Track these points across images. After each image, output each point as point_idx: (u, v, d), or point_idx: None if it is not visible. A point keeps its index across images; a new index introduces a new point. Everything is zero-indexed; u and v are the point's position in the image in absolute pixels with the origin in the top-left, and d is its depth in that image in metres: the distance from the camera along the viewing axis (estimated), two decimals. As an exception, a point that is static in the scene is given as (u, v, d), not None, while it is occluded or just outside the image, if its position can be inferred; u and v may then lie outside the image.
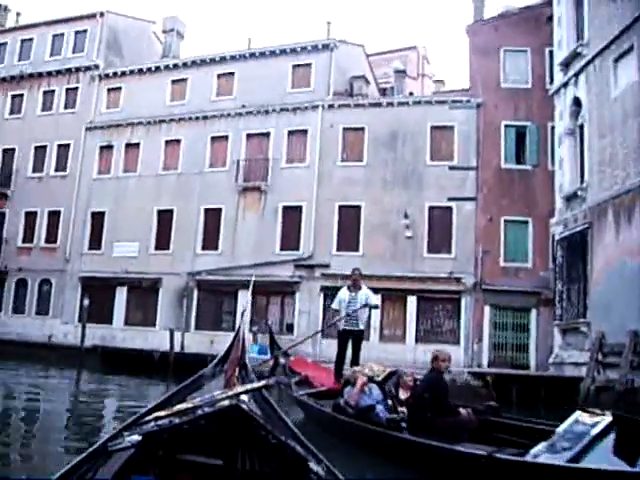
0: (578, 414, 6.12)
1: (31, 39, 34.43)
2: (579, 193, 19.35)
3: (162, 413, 4.23)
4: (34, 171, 32.44)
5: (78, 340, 25.90)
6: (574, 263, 19.56)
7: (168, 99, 30.69)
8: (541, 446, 6.01)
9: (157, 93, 30.63)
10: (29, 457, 7.47)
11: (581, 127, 20.03)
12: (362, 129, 26.57)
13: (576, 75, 19.97)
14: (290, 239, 26.53)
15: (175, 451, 4.03)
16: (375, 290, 12.95)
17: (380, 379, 8.68)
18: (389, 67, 34.46)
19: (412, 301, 24.56)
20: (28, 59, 34.14)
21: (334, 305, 11.31)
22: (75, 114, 32.24)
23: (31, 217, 31.80)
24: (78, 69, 32.72)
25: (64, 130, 31.87)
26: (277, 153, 27.64)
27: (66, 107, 32.70)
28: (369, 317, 11.56)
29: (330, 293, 24.23)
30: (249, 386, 5.12)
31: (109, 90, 32.18)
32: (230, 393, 4.35)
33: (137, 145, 30.58)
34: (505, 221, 24.08)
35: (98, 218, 30.42)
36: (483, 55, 25.36)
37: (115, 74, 31.99)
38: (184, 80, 30.56)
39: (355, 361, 10.78)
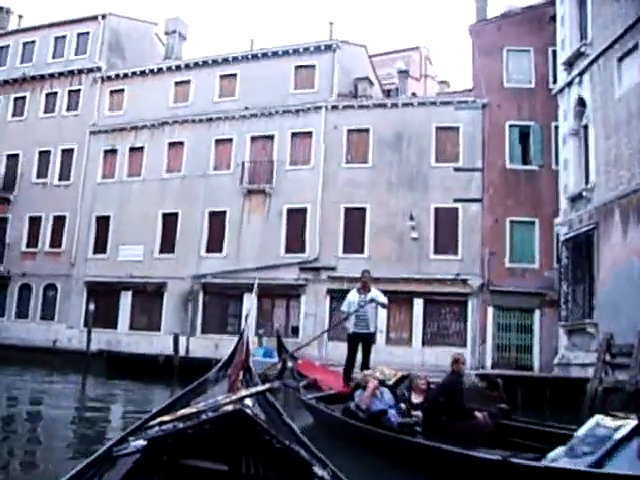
0: (599, 417, 5.82)
1: (33, 41, 34.50)
2: (584, 194, 19.26)
3: (166, 418, 4.21)
4: (38, 177, 32.45)
5: (83, 345, 25.81)
6: (579, 264, 19.47)
7: (171, 101, 30.69)
8: (559, 450, 5.78)
9: (160, 95, 30.63)
10: (34, 462, 7.44)
11: (585, 127, 19.96)
12: (367, 130, 26.52)
13: (580, 75, 19.90)
14: (295, 242, 26.48)
15: (180, 456, 3.98)
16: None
17: (391, 383, 8.57)
18: (392, 68, 34.41)
19: (418, 303, 24.49)
20: (30, 61, 34.18)
21: (343, 307, 11.23)
22: (78, 116, 32.28)
23: (35, 222, 31.79)
24: (80, 71, 32.75)
25: (67, 133, 31.89)
26: (281, 155, 27.59)
27: (69, 109, 32.74)
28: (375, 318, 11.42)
29: (336, 296, 24.28)
30: (253, 390, 5.06)
31: (112, 92, 32.20)
32: (234, 397, 4.31)
33: (141, 149, 30.58)
34: (511, 222, 24.02)
35: (103, 222, 30.43)
36: (486, 55, 25.31)
37: (117, 76, 32.01)
38: (187, 82, 30.57)
39: (365, 364, 10.68)
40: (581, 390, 16.16)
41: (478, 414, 7.37)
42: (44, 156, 32.44)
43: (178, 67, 30.94)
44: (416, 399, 8.10)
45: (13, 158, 33.16)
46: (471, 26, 26.37)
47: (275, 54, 29.00)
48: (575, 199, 20.00)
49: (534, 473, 5.49)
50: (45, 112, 33.25)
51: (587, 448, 5.47)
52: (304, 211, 26.58)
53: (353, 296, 10.95)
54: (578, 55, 19.96)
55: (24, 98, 33.89)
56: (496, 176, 24.53)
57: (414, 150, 25.74)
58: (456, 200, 24.72)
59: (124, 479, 3.71)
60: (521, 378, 19.06)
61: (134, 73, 31.72)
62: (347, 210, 26.08)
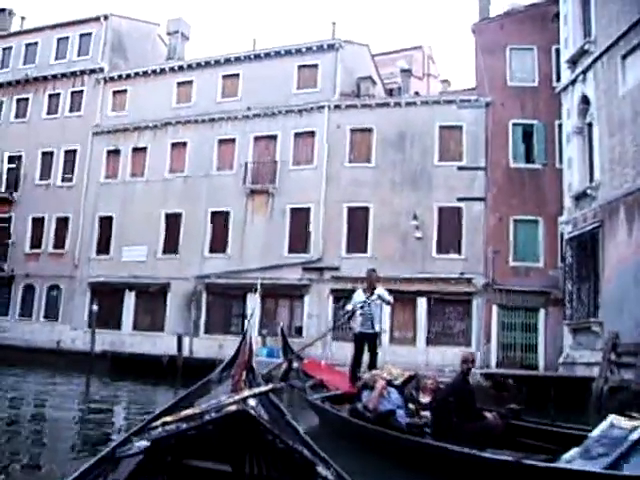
0: (613, 418, 5.66)
1: (36, 43, 34.55)
2: (589, 192, 19.19)
3: (170, 419, 4.22)
4: (42, 178, 32.49)
5: (86, 346, 25.84)
6: (584, 262, 19.41)
7: (174, 101, 30.69)
8: (574, 452, 5.63)
9: (163, 95, 30.63)
10: (38, 463, 7.43)
11: (589, 125, 19.90)
12: (370, 130, 26.48)
13: (584, 72, 19.85)
14: (299, 241, 26.43)
15: (183, 457, 3.99)
16: (385, 292, 12.80)
17: (399, 383, 8.48)
18: (394, 67, 34.36)
19: (422, 303, 24.42)
20: (33, 63, 34.23)
21: (349, 307, 11.16)
22: (81, 117, 32.31)
23: (38, 223, 31.84)
24: (83, 72, 32.78)
25: (70, 134, 31.91)
26: (284, 155, 27.56)
27: (72, 110, 32.77)
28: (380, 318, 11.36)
29: (340, 296, 24.26)
30: (256, 390, 5.06)
31: (114, 93, 32.22)
32: (237, 398, 4.33)
33: (144, 149, 30.58)
34: (515, 221, 23.96)
35: (106, 223, 30.44)
36: (489, 54, 25.27)
37: (120, 77, 32.03)
38: (189, 82, 30.56)
39: (372, 364, 10.61)
40: (586, 389, 16.12)
41: (488, 414, 7.23)
42: (47, 157, 32.49)
43: (181, 67, 30.93)
44: (424, 399, 7.99)
45: (16, 159, 33.20)
46: (474, 25, 26.31)
47: (278, 54, 28.96)
48: (579, 197, 19.93)
49: (548, 475, 5.35)
50: (48, 113, 33.29)
51: (602, 450, 5.32)
52: (307, 211, 26.54)
53: (359, 295, 10.89)
54: (582, 53, 19.91)
55: (27, 99, 33.94)
56: (500, 175, 24.47)
57: (417, 149, 25.69)
58: (459, 199, 24.66)
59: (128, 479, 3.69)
60: (525, 377, 19.04)
61: (137, 74, 31.73)
62: (350, 210, 26.04)
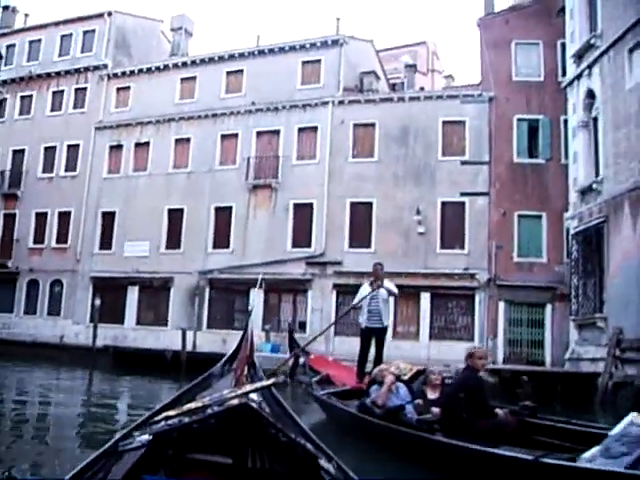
0: (633, 415, 5.46)
1: (39, 40, 34.57)
2: (594, 186, 19.11)
3: (172, 412, 4.22)
4: (44, 172, 32.54)
5: (90, 340, 25.85)
6: (590, 257, 19.36)
7: (177, 97, 30.66)
8: (595, 450, 5.40)
9: (166, 92, 30.60)
10: (41, 458, 7.39)
11: (595, 119, 19.83)
12: (373, 125, 26.42)
13: (589, 67, 19.75)
14: (302, 236, 26.41)
15: (185, 450, 3.99)
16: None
17: (407, 378, 8.38)
18: (399, 62, 34.36)
19: (425, 298, 24.40)
20: (37, 60, 34.26)
21: (355, 301, 11.09)
22: (84, 114, 32.29)
23: (42, 218, 31.89)
24: (87, 69, 32.79)
25: (73, 130, 31.91)
26: (287, 150, 27.51)
27: (75, 107, 32.77)
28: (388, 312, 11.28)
29: (342, 291, 24.28)
30: (258, 384, 5.03)
31: (118, 89, 32.19)
32: (239, 392, 4.30)
33: (147, 144, 30.56)
34: (518, 216, 23.86)
35: (108, 218, 30.46)
36: (494, 48, 25.17)
37: (124, 73, 32.01)
38: (193, 78, 30.52)
39: (379, 359, 10.54)
40: (592, 385, 16.07)
41: (499, 411, 7.09)
42: (50, 152, 32.53)
43: (184, 64, 30.92)
44: (432, 395, 7.86)
45: (19, 155, 33.22)
46: (479, 19, 26.21)
47: (282, 49, 28.92)
48: (585, 192, 19.86)
49: (569, 474, 5.18)
50: (52, 110, 33.29)
51: (623, 448, 5.15)
52: (310, 206, 26.50)
53: (365, 289, 10.82)
54: (588, 47, 19.81)
55: (31, 96, 33.96)
56: (503, 170, 24.40)
57: (420, 144, 25.62)
58: (463, 194, 24.61)
59: (129, 473, 3.70)
60: (532, 373, 18.97)
61: (140, 70, 31.70)
62: (353, 205, 26.00)
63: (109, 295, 28.89)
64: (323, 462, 3.77)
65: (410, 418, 7.35)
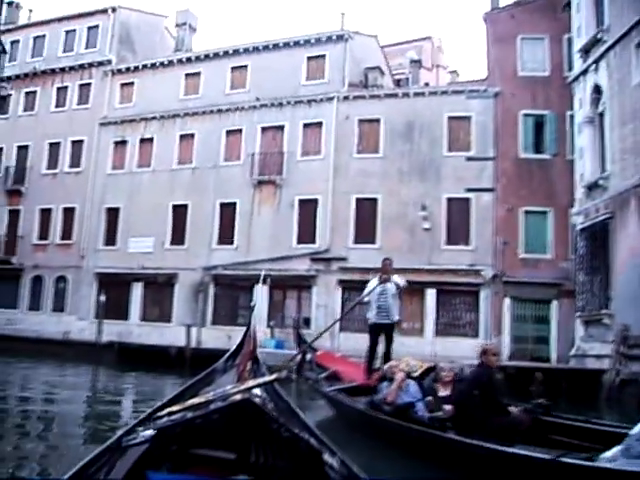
0: None
1: (43, 36, 34.57)
2: (600, 182, 19.02)
3: (175, 408, 4.26)
4: (48, 168, 32.57)
5: (94, 336, 25.88)
6: (596, 253, 19.26)
7: (182, 93, 30.61)
8: (616, 450, 5.24)
9: (170, 87, 30.55)
10: (45, 453, 7.40)
11: (601, 115, 19.71)
12: (378, 120, 26.35)
13: (596, 62, 19.63)
14: (306, 232, 26.36)
15: (188, 445, 3.99)
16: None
17: (417, 375, 8.28)
18: (403, 58, 34.24)
19: (431, 294, 24.35)
20: (41, 56, 34.24)
21: (364, 295, 11.00)
22: (88, 110, 32.29)
23: (46, 214, 31.93)
24: (91, 65, 32.77)
25: (78, 126, 31.91)
26: (292, 146, 27.46)
27: (79, 103, 32.77)
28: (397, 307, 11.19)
29: (347, 287, 24.25)
30: (261, 380, 5.06)
31: (122, 85, 32.17)
32: (242, 387, 4.34)
33: (151, 140, 30.54)
34: (524, 212, 23.79)
35: (113, 214, 30.47)
36: (500, 43, 25.13)
37: (128, 69, 31.98)
38: (197, 74, 30.47)
39: (388, 355, 10.46)
40: (597, 382, 16.01)
41: (513, 409, 6.95)
42: (54, 148, 32.55)
43: (188, 59, 30.86)
44: (442, 392, 7.75)
45: (23, 151, 33.25)
46: (485, 14, 26.15)
47: (286, 45, 28.84)
48: (591, 188, 19.75)
49: (590, 474, 5.04)
50: (56, 106, 33.29)
51: None
52: (315, 202, 26.46)
53: (373, 284, 10.74)
54: (594, 42, 19.69)
55: (35, 92, 33.97)
56: (509, 165, 24.32)
57: (426, 140, 25.54)
58: (468, 190, 24.53)
59: (133, 469, 3.68)
60: (537, 369, 18.89)
61: (144, 66, 31.67)
62: (358, 200, 25.95)
63: (114, 291, 28.88)
64: (327, 457, 3.74)
65: (421, 416, 7.26)
